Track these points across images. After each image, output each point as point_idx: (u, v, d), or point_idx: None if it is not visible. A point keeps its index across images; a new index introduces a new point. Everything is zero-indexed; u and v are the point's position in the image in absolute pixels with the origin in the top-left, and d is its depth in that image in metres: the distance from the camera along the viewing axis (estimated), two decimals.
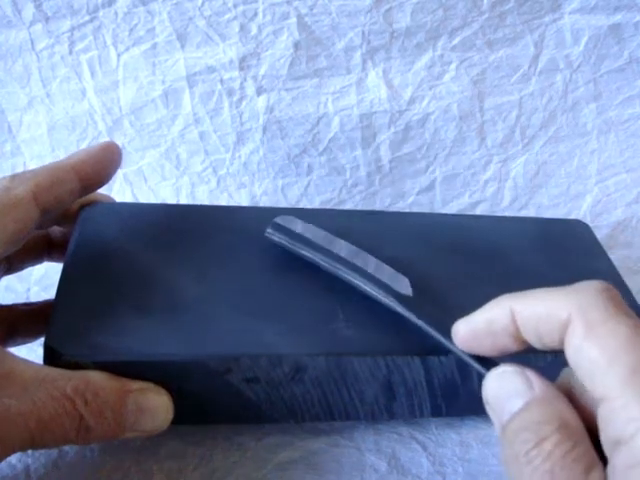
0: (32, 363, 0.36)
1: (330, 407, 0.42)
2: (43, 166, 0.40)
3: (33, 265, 0.48)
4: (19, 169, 0.59)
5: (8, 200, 0.37)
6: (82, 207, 0.46)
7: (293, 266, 0.44)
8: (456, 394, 0.43)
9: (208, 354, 0.38)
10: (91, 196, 0.45)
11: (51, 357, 0.37)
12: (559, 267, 0.48)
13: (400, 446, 0.45)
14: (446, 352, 0.38)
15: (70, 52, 0.55)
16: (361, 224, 0.49)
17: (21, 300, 0.54)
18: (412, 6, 0.54)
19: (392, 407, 0.43)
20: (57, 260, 0.48)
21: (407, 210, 0.61)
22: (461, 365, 0.41)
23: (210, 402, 0.41)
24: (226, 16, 0.54)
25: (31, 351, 0.46)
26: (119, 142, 0.58)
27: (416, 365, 0.41)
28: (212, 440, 0.44)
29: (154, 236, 0.45)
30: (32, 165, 0.59)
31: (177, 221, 0.46)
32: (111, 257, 0.42)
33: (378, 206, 0.62)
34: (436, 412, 0.44)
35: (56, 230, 0.47)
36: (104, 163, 0.43)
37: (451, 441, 0.45)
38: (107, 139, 0.58)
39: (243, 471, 0.43)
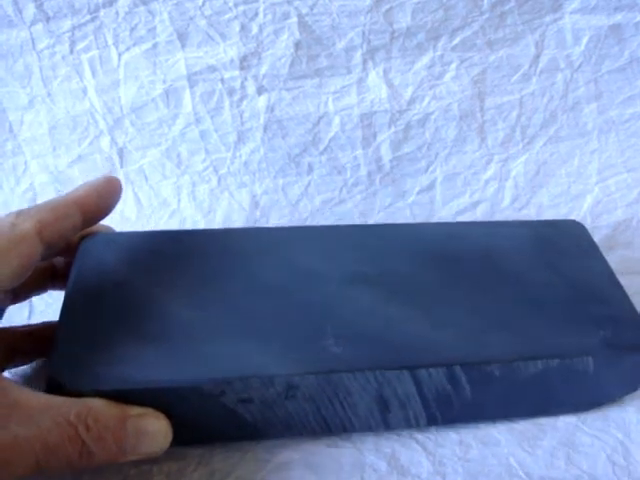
0: (35, 392, 0.37)
1: (326, 421, 0.43)
2: (47, 202, 0.41)
3: (38, 294, 0.49)
4: (20, 168, 0.59)
5: (14, 236, 0.38)
6: (82, 238, 0.47)
7: (282, 286, 0.45)
8: (450, 404, 0.43)
9: (201, 379, 0.39)
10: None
11: (54, 388, 0.38)
12: (552, 270, 0.48)
13: (399, 446, 0.45)
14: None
15: (71, 51, 0.55)
16: (351, 240, 0.50)
17: (24, 308, 0.55)
18: (412, 6, 0.54)
19: (387, 419, 0.44)
20: (60, 288, 0.49)
21: (407, 210, 0.61)
22: (451, 376, 0.42)
23: (207, 423, 0.42)
24: (227, 16, 0.54)
25: None
26: (120, 141, 0.59)
27: (406, 378, 0.41)
28: (211, 441, 0.44)
29: (150, 264, 0.46)
30: (33, 164, 0.59)
31: (172, 247, 0.48)
32: (110, 287, 0.44)
33: (378, 205, 0.62)
34: (432, 422, 0.45)
35: (59, 260, 0.49)
36: (106, 197, 0.44)
37: (451, 441, 0.45)
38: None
39: (242, 472, 0.43)
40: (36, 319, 0.54)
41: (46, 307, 0.55)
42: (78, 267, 0.45)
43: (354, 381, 0.41)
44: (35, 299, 0.55)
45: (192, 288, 0.45)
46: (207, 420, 0.42)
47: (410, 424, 0.44)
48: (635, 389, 0.46)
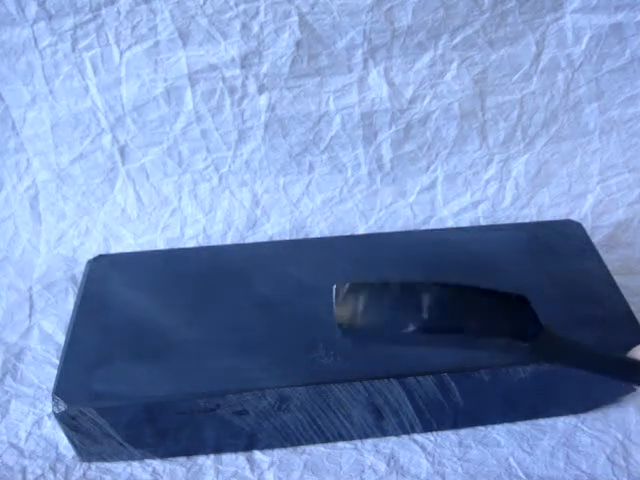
0: None
1: (322, 430, 0.44)
2: None
3: None
4: (22, 165, 0.60)
5: None
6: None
7: (275, 300, 0.47)
8: (443, 410, 0.44)
9: (196, 394, 0.41)
10: None
11: (58, 406, 0.41)
12: (546, 273, 0.48)
13: (399, 447, 0.45)
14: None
15: (73, 50, 0.55)
16: (342, 251, 0.51)
17: (24, 304, 0.55)
18: (413, 5, 0.54)
19: (382, 426, 0.45)
20: None
21: (408, 209, 0.61)
22: (440, 383, 0.42)
23: (205, 435, 0.43)
24: (228, 14, 0.54)
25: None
26: (121, 139, 0.59)
27: (395, 387, 0.42)
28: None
29: (151, 283, 0.49)
30: (35, 161, 0.60)
31: (172, 266, 0.51)
32: (113, 307, 0.47)
33: (379, 205, 0.62)
34: (428, 428, 0.45)
35: None
36: None
37: (450, 442, 0.45)
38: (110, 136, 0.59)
39: (243, 472, 0.43)
40: (37, 316, 0.54)
41: (46, 304, 0.55)
42: (84, 287, 0.49)
43: (344, 391, 0.42)
44: (35, 296, 0.56)
45: (189, 305, 0.47)
46: (206, 432, 0.43)
47: (406, 430, 0.45)
48: (634, 389, 0.46)
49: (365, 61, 0.57)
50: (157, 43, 0.55)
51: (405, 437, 0.45)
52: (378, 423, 0.44)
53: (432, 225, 0.61)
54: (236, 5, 0.54)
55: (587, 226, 0.55)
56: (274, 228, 0.61)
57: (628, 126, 0.61)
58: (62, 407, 0.40)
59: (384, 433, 0.45)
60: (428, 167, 0.61)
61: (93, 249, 0.60)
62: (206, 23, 0.55)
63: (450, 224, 0.61)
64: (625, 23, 0.56)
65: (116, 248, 0.60)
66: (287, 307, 0.46)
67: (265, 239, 0.61)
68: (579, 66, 0.58)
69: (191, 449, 0.44)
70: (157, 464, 0.44)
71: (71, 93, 0.57)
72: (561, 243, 0.51)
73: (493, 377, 0.42)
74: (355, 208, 0.62)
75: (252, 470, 0.43)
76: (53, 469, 0.43)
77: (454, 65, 0.58)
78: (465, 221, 0.62)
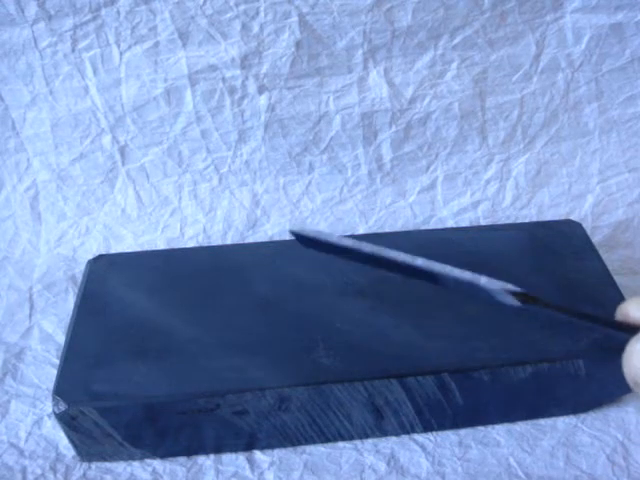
0: None
1: (322, 430, 0.44)
2: None
3: None
4: (23, 165, 0.60)
5: None
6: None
7: (275, 299, 0.47)
8: (443, 410, 0.44)
9: (196, 394, 0.41)
10: None
11: (58, 406, 0.41)
12: (545, 273, 0.48)
13: (399, 447, 0.45)
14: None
15: (73, 50, 0.55)
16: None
17: (24, 305, 0.55)
18: (413, 5, 0.54)
19: (382, 426, 0.45)
20: None
21: (408, 209, 0.62)
22: (440, 383, 0.42)
23: (206, 435, 0.43)
24: (228, 15, 0.54)
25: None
26: (121, 139, 0.59)
27: (395, 387, 0.42)
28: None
29: (151, 283, 0.49)
30: (35, 161, 0.60)
31: (172, 266, 0.51)
32: (113, 306, 0.47)
33: (379, 205, 0.62)
34: (428, 428, 0.45)
35: None
36: None
37: (450, 441, 0.45)
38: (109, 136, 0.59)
39: (242, 472, 0.43)
40: (37, 316, 0.54)
41: (46, 304, 0.55)
42: (84, 287, 0.49)
43: (344, 391, 0.42)
44: (36, 296, 0.56)
45: (189, 305, 0.47)
46: (205, 432, 0.43)
47: (406, 430, 0.45)
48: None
49: (365, 61, 0.57)
50: (157, 43, 0.55)
51: (405, 437, 0.45)
52: (378, 423, 0.44)
53: (432, 225, 0.61)
54: (236, 5, 0.54)
55: (587, 226, 0.55)
56: (274, 228, 0.61)
57: (628, 126, 0.61)
58: (62, 407, 0.40)
59: (384, 433, 0.45)
60: (428, 167, 0.61)
61: (93, 249, 0.60)
62: (206, 23, 0.55)
63: (450, 224, 0.61)
64: (625, 23, 0.56)
65: (116, 248, 0.60)
66: (287, 307, 0.46)
67: (265, 239, 0.61)
68: (579, 66, 0.58)
69: (191, 449, 0.44)
70: (157, 464, 0.44)
71: (71, 93, 0.57)
72: (561, 243, 0.51)
73: (493, 377, 0.42)
74: (355, 208, 0.62)
75: (252, 470, 0.43)
76: (53, 469, 0.43)
77: (454, 65, 0.58)
78: (465, 221, 0.62)
